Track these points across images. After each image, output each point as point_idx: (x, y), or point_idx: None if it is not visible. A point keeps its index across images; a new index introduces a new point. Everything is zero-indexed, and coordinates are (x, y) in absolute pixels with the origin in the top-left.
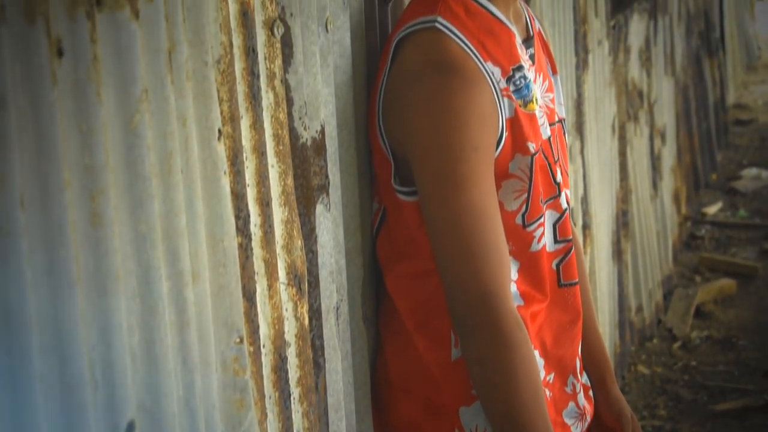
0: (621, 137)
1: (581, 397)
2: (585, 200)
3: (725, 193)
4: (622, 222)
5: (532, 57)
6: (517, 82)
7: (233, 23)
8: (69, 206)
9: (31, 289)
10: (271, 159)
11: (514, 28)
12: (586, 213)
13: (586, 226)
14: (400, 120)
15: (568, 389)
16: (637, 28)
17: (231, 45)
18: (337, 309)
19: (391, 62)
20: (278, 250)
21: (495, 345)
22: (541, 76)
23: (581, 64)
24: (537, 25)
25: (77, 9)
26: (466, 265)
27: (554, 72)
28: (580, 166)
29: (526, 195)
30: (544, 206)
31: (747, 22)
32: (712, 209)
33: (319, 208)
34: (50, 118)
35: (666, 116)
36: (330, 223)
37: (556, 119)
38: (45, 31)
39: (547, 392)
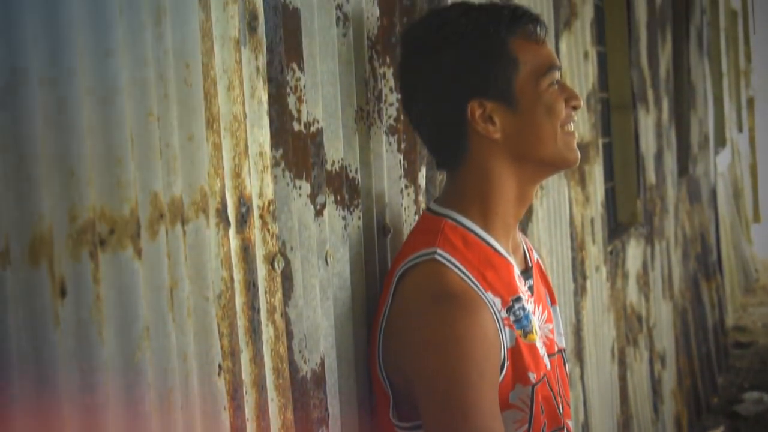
0: (620, 362)
1: None
2: (586, 426)
3: (727, 417)
4: None
5: (530, 288)
6: (517, 313)
7: (234, 258)
8: None
9: None
10: (271, 393)
11: (512, 260)
12: None
13: None
14: (403, 352)
15: None
16: (634, 253)
17: (232, 280)
18: None
19: (393, 296)
20: None
21: None
22: (540, 306)
23: (579, 290)
24: (535, 255)
25: (81, 249)
26: None
27: (553, 302)
28: (581, 392)
29: (526, 426)
30: None
31: (743, 245)
32: None
33: None
34: (51, 358)
35: (665, 340)
36: None
37: (556, 350)
38: (48, 272)
39: None
